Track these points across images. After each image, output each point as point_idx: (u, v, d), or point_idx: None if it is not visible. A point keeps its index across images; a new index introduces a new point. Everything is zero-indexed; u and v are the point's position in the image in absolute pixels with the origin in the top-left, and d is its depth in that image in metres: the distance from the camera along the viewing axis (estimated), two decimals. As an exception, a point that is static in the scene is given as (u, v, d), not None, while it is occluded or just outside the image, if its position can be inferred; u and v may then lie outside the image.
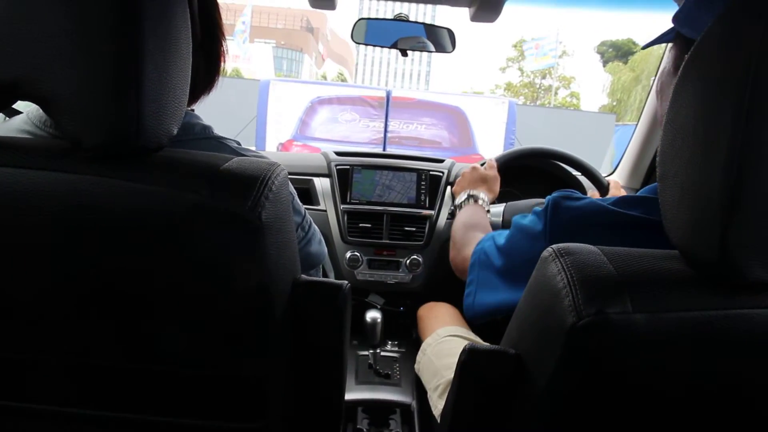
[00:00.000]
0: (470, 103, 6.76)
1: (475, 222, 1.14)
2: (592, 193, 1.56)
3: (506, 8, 1.30)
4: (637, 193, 0.78)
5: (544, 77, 34.68)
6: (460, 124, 6.52)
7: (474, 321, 1.05)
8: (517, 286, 0.87)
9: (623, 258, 0.58)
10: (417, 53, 1.77)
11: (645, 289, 0.55)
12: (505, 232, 0.87)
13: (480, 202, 1.37)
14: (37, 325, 0.63)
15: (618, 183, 1.57)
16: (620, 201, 0.75)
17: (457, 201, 1.32)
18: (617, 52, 30.95)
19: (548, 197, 0.79)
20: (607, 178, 1.63)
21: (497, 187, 1.43)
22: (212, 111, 1.11)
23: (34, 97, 0.58)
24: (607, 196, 1.47)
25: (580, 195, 0.78)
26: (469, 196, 1.35)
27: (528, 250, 0.81)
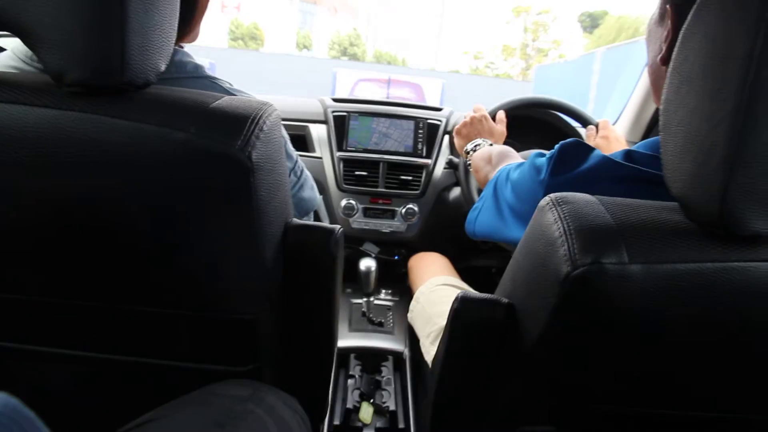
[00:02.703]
0: (424, 82, 10.52)
1: (511, 153, 1.12)
2: (589, 134, 1.54)
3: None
4: (639, 147, 0.75)
5: (534, 41, 38.41)
6: (420, 94, 9.93)
7: (471, 235, 1.06)
8: (512, 224, 0.87)
9: (621, 208, 0.57)
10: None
11: (642, 240, 0.54)
12: (523, 164, 0.86)
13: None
14: (22, 264, 0.63)
15: (607, 121, 1.54)
16: (625, 154, 0.73)
17: (470, 146, 1.29)
18: (592, 22, 35.60)
19: (559, 144, 0.77)
20: (598, 121, 1.60)
21: (502, 141, 1.40)
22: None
23: (12, 27, 0.55)
24: (598, 143, 1.45)
25: (588, 148, 0.75)
26: (483, 142, 1.31)
27: (531, 193, 0.80)
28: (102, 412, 0.74)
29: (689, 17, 0.55)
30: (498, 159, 1.10)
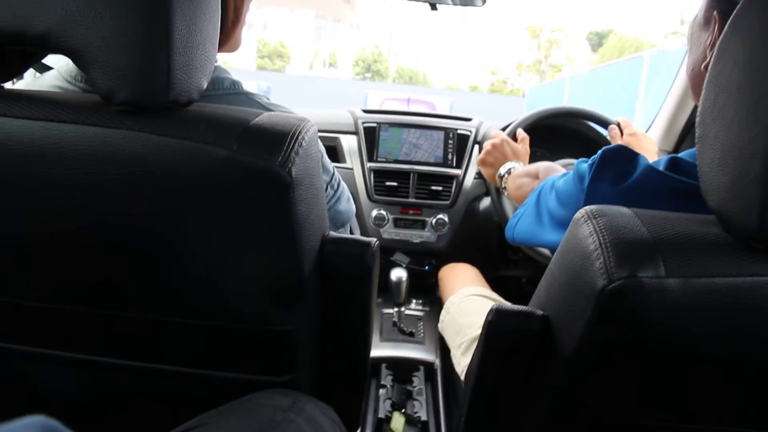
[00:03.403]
0: (436, 100, 12.91)
1: (558, 167, 1.13)
2: (613, 133, 1.53)
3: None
4: (686, 156, 0.73)
5: (547, 57, 42.47)
6: (433, 110, 12.95)
7: (510, 241, 1.06)
8: (549, 228, 0.87)
9: (657, 221, 0.56)
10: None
11: (679, 254, 0.52)
12: (568, 173, 0.85)
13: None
14: (67, 276, 0.65)
15: (628, 120, 1.53)
16: (672, 162, 0.71)
17: (503, 170, 1.29)
18: (599, 40, 40.02)
19: (601, 150, 0.75)
20: (615, 118, 1.58)
21: (527, 159, 1.41)
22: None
23: (65, 49, 0.57)
24: (628, 141, 1.43)
25: (632, 154, 0.73)
26: (516, 164, 1.31)
27: (574, 199, 0.79)
28: (141, 420, 0.76)
29: (726, 27, 0.54)
30: (546, 173, 1.10)
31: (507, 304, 0.70)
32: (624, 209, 0.58)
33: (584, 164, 0.78)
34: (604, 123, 1.60)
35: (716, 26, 0.71)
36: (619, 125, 1.53)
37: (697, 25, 0.76)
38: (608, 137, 1.59)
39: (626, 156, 0.73)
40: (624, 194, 0.71)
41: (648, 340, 0.54)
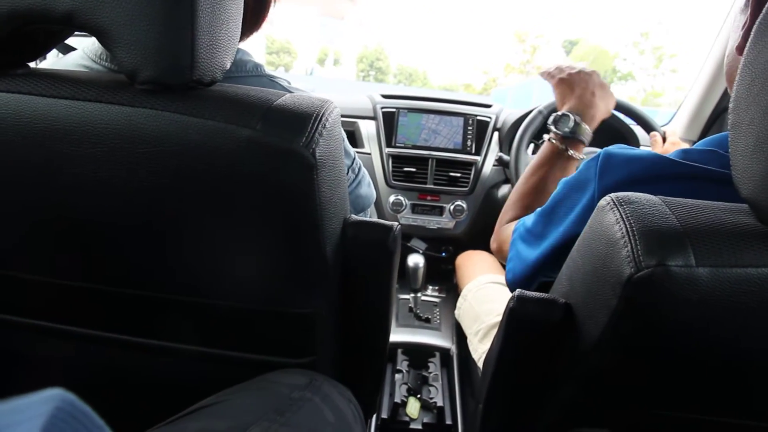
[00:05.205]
0: (434, 94, 14.43)
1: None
2: (654, 140, 1.49)
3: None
4: (698, 145, 0.72)
5: (528, 62, 47.02)
6: None
7: (511, 291, 0.96)
8: (549, 234, 0.81)
9: (687, 209, 0.54)
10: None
11: (710, 243, 0.51)
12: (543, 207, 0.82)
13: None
14: (88, 253, 0.65)
15: (675, 132, 1.49)
16: (682, 152, 0.69)
17: (558, 114, 1.06)
18: (572, 48, 45.96)
19: (601, 150, 0.73)
20: (663, 128, 1.55)
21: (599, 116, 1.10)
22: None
23: (89, 28, 0.57)
24: (666, 149, 1.40)
25: (634, 147, 0.71)
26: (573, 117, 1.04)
27: (574, 201, 0.76)
28: (160, 398, 0.76)
29: (765, 8, 0.52)
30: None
31: (528, 292, 0.69)
32: (651, 197, 0.57)
33: (583, 178, 0.75)
34: (649, 128, 1.54)
35: (750, 7, 0.68)
36: (664, 134, 1.49)
37: (738, 9, 0.74)
38: (637, 136, 1.57)
39: (627, 148, 0.72)
40: (634, 179, 0.69)
41: (675, 330, 0.53)
